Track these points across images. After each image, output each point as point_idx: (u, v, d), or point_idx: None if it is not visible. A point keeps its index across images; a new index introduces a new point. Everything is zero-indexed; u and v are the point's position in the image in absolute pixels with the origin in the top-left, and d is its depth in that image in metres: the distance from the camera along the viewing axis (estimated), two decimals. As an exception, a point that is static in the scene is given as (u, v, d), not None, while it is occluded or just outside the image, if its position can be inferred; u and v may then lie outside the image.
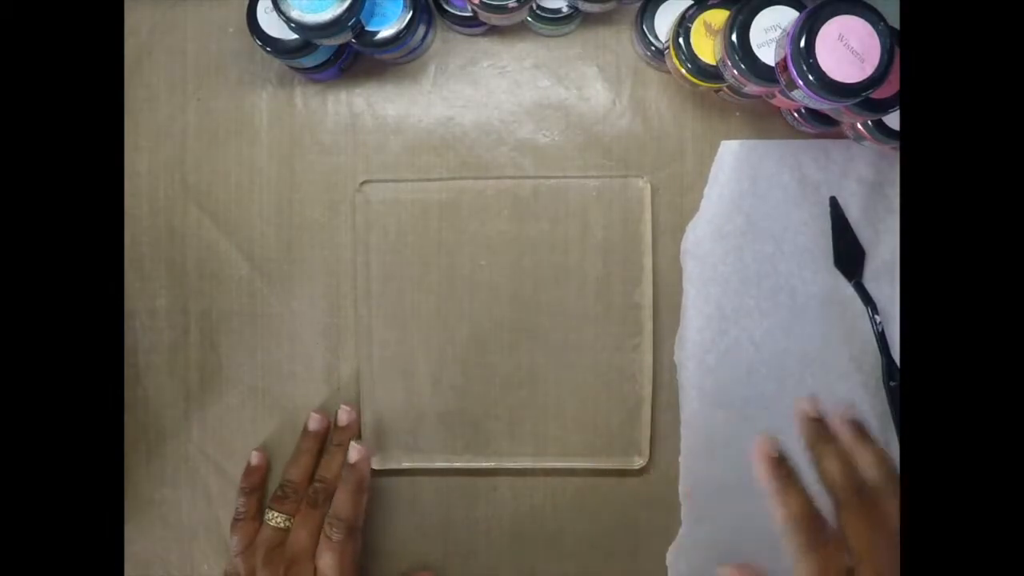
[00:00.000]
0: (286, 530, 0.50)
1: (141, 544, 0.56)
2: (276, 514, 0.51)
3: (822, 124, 0.51)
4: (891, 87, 0.43)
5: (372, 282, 0.54)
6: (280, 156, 0.55)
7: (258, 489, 0.54)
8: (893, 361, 0.52)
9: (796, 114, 0.52)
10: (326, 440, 0.54)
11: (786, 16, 0.44)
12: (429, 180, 0.54)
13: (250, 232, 0.55)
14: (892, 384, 0.52)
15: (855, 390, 0.54)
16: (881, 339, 0.53)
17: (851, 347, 0.54)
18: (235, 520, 0.52)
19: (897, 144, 0.49)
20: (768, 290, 0.53)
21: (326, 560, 0.47)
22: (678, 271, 0.54)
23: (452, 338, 0.54)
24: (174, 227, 0.55)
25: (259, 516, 0.52)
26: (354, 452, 0.50)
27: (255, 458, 0.54)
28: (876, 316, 0.53)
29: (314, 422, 0.54)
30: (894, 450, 0.53)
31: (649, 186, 0.53)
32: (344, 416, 0.54)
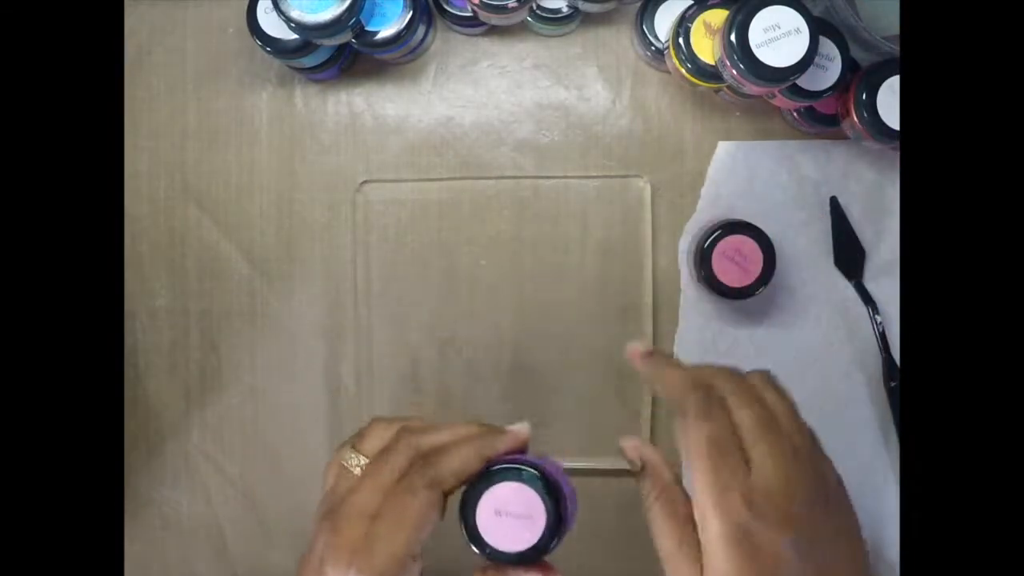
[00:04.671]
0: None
1: (141, 544, 0.56)
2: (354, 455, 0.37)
3: (822, 124, 0.51)
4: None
5: (372, 282, 0.54)
6: (280, 156, 0.55)
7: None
8: (893, 361, 0.52)
9: (796, 114, 0.52)
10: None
11: (785, 16, 0.44)
12: (429, 180, 0.54)
13: (250, 232, 0.55)
14: (892, 384, 0.52)
15: (855, 390, 0.54)
16: (881, 339, 0.53)
17: (851, 347, 0.53)
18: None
19: (897, 144, 0.49)
20: (768, 290, 0.53)
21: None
22: (678, 271, 0.54)
23: (452, 338, 0.54)
24: (174, 227, 0.55)
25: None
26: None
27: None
28: (876, 316, 0.53)
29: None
30: (894, 450, 0.53)
31: (649, 186, 0.53)
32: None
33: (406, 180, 0.54)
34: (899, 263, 0.53)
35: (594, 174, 0.54)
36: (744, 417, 0.33)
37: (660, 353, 0.39)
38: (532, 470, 0.35)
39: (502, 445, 0.37)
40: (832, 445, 0.54)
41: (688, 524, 0.33)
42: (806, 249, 0.53)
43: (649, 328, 0.53)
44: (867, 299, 0.53)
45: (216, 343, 0.55)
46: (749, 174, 0.53)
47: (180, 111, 0.55)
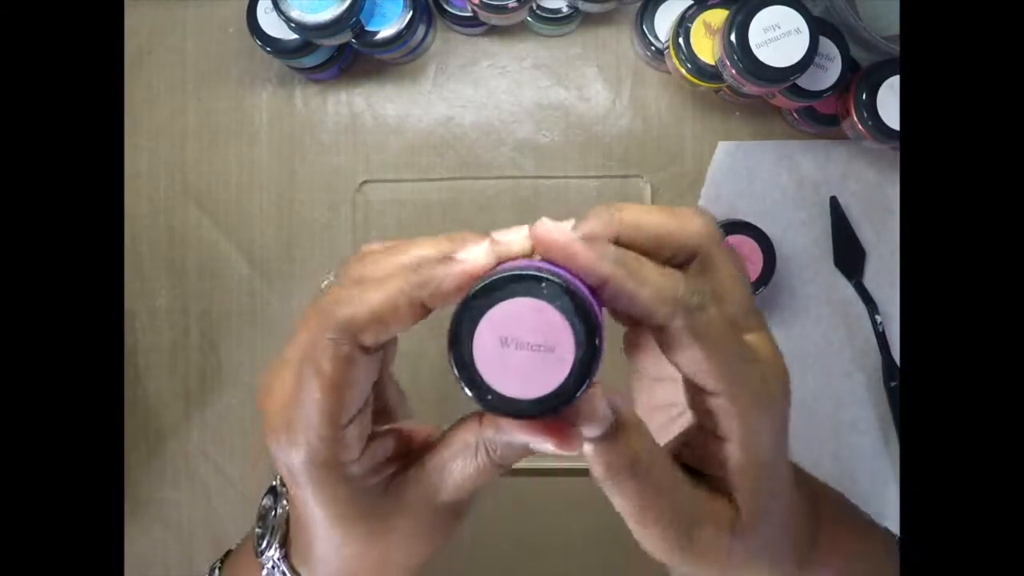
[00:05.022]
0: None
1: (141, 544, 0.56)
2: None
3: (822, 124, 0.51)
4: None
5: (372, 282, 0.54)
6: (280, 156, 0.55)
7: None
8: (893, 361, 0.52)
9: (796, 114, 0.52)
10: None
11: (785, 16, 0.44)
12: (429, 180, 0.54)
13: (250, 232, 0.55)
14: (892, 384, 0.52)
15: (855, 390, 0.54)
16: (881, 339, 0.53)
17: (851, 347, 0.53)
18: None
19: (897, 144, 0.49)
20: (767, 290, 0.53)
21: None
22: (678, 271, 0.54)
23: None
24: (174, 227, 0.55)
25: None
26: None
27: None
28: (876, 316, 0.53)
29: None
30: (894, 450, 0.53)
31: (649, 186, 0.53)
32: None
33: (406, 180, 0.54)
34: (899, 263, 0.53)
35: (594, 174, 0.54)
36: (735, 291, 0.26)
37: (589, 237, 0.24)
38: (555, 280, 0.23)
39: (448, 282, 0.24)
40: (832, 445, 0.54)
41: (679, 472, 0.27)
42: (806, 249, 0.53)
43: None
44: (867, 299, 0.53)
45: (216, 343, 0.55)
46: (749, 174, 0.53)
47: (180, 111, 0.55)
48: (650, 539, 0.27)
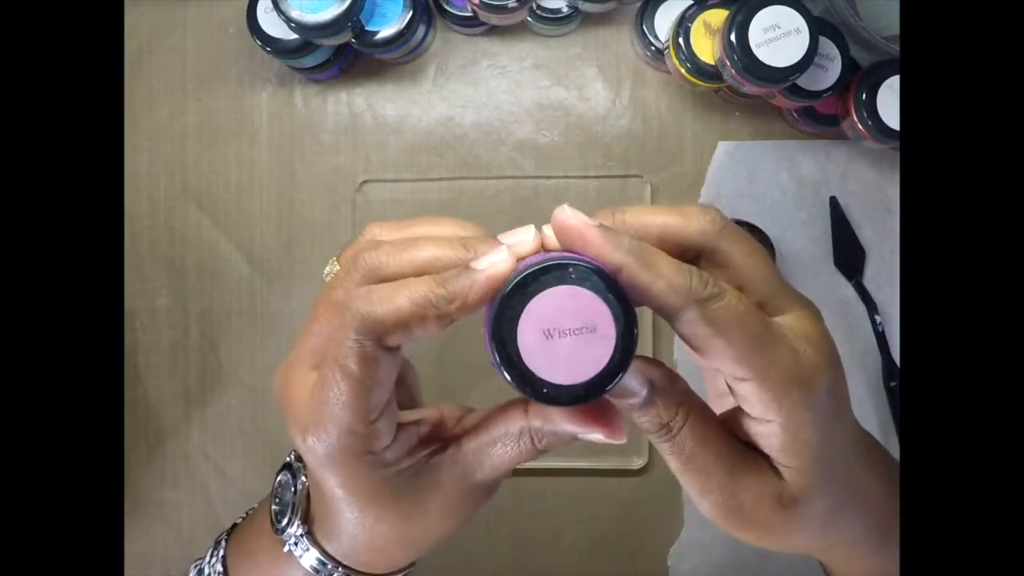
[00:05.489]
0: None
1: (141, 544, 0.56)
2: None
3: (822, 124, 0.51)
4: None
5: (372, 282, 0.54)
6: (280, 156, 0.55)
7: None
8: (893, 361, 0.52)
9: (796, 114, 0.52)
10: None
11: (785, 16, 0.44)
12: (429, 180, 0.54)
13: (250, 232, 0.55)
14: (892, 384, 0.52)
15: (855, 390, 0.54)
16: (881, 339, 0.53)
17: (851, 347, 0.54)
18: None
19: (897, 144, 0.49)
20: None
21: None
22: (678, 271, 0.54)
23: (453, 339, 0.54)
24: (174, 227, 0.55)
25: None
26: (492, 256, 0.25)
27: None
28: (876, 316, 0.53)
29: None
30: (894, 450, 0.53)
31: (649, 186, 0.53)
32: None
33: (406, 180, 0.54)
34: (899, 263, 0.53)
35: (594, 174, 0.54)
36: (754, 276, 0.27)
37: (606, 226, 0.25)
38: (580, 264, 0.24)
39: (474, 294, 0.24)
40: (832, 445, 0.54)
41: (725, 435, 0.27)
42: (806, 249, 0.53)
43: (648, 328, 0.53)
44: (867, 299, 0.53)
45: (216, 343, 0.55)
46: (749, 174, 0.53)
47: (180, 111, 0.55)
48: (696, 499, 0.28)
